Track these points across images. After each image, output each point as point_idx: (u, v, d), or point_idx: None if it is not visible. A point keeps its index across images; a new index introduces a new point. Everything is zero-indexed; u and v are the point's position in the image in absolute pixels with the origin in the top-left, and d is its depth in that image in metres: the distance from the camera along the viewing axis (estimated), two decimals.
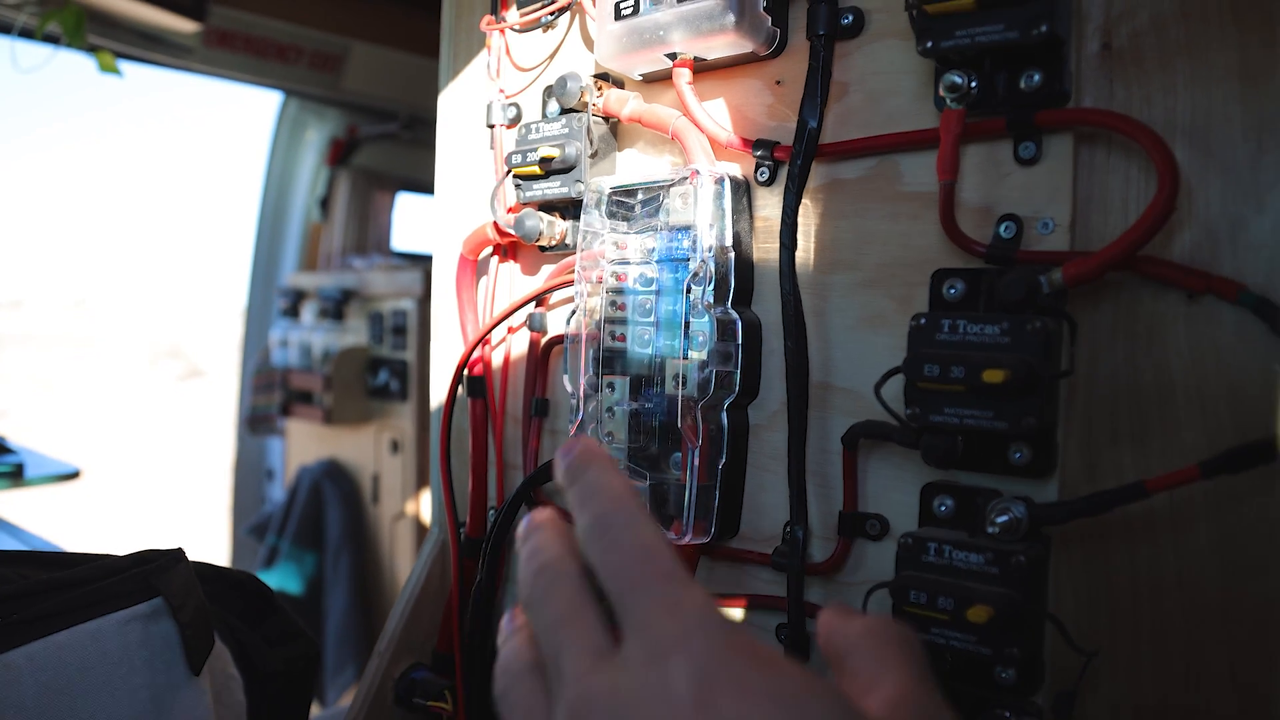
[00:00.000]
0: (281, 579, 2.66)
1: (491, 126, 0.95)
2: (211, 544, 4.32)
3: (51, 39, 2.22)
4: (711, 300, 0.74)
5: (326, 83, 2.84)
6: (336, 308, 2.80)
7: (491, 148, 0.96)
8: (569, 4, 0.89)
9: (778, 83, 0.77)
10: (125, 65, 2.34)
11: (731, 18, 0.71)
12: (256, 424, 3.01)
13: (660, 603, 0.34)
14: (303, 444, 2.97)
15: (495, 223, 0.91)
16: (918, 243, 0.70)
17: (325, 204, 3.33)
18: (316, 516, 2.75)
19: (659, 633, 0.33)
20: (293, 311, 3.00)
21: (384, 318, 2.68)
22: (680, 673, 0.32)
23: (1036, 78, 0.62)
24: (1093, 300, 0.64)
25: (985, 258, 0.65)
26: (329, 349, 2.76)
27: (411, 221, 3.62)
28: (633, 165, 0.86)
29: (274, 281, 3.29)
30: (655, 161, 0.84)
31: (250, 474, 3.38)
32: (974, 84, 0.64)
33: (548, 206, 0.89)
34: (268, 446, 3.33)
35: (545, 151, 0.83)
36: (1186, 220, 0.60)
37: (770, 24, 0.74)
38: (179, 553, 0.75)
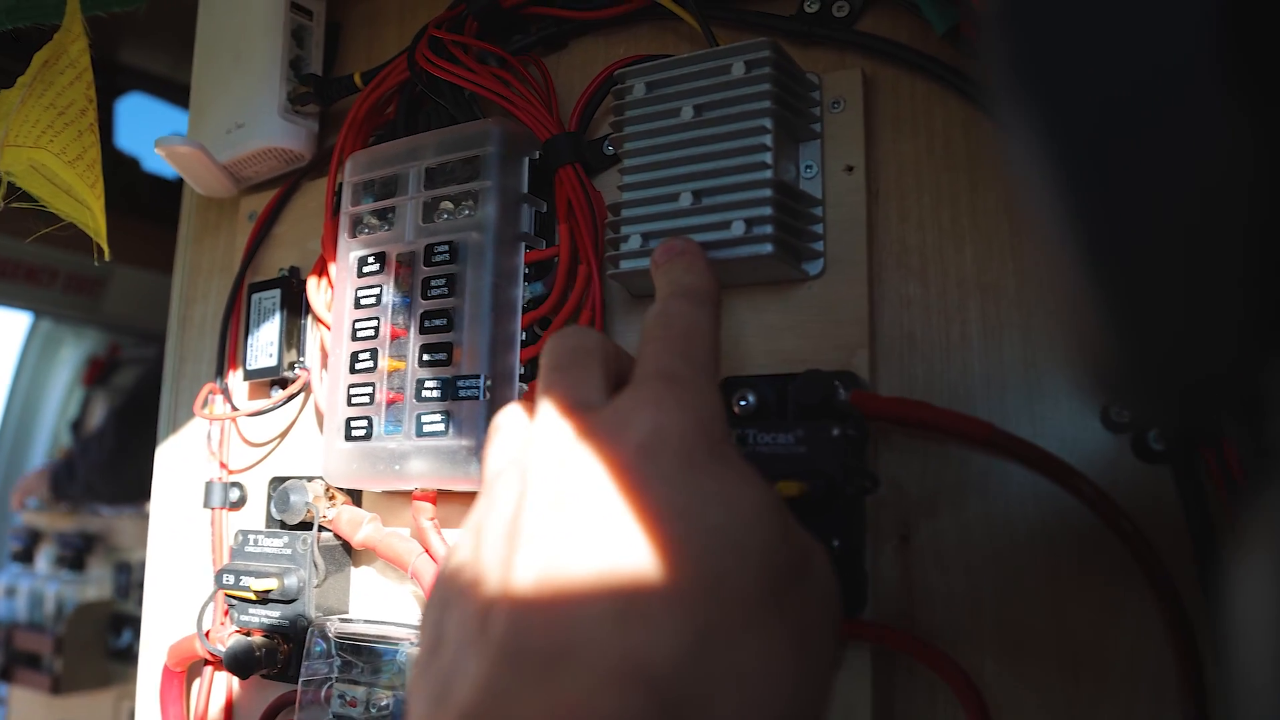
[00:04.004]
0: None
1: (211, 509, 0.80)
2: None
3: None
4: None
5: (84, 306, 2.58)
6: (77, 555, 2.47)
7: (211, 526, 0.81)
8: (301, 388, 0.76)
9: None
10: None
11: (477, 463, 0.61)
12: None
13: (667, 372, 0.33)
14: (26, 713, 2.56)
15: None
16: None
17: (77, 427, 3.00)
18: None
19: (649, 390, 0.32)
20: (26, 556, 2.63)
21: (132, 569, 2.38)
22: (643, 423, 0.30)
23: None
24: None
25: None
26: (64, 603, 2.42)
27: None
28: (369, 592, 0.73)
29: (8, 518, 2.90)
30: (396, 590, 0.71)
31: None
32: None
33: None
34: None
35: (261, 585, 0.68)
36: None
37: None
38: None
